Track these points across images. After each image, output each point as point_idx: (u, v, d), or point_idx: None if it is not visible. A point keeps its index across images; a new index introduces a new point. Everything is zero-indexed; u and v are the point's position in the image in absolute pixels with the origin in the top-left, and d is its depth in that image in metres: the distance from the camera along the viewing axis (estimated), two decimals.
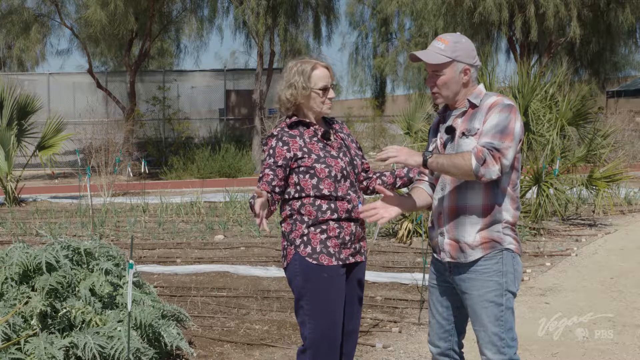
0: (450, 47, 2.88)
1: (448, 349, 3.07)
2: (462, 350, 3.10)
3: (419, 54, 2.91)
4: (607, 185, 9.30)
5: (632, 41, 23.51)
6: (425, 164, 2.79)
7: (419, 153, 2.81)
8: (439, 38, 2.93)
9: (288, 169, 3.10)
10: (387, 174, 3.33)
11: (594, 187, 9.42)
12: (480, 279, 2.86)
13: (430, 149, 3.02)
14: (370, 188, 3.30)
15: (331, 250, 3.07)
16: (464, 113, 2.92)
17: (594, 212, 10.21)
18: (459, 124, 2.91)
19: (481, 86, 2.96)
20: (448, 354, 3.08)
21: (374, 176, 3.31)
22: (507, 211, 2.87)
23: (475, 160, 2.70)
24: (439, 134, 3.01)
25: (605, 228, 9.19)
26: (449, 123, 2.96)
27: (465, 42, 2.91)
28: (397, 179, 3.31)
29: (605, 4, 19.41)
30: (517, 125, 2.80)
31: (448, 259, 2.94)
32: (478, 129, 2.83)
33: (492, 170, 2.72)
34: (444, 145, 2.96)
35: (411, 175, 3.29)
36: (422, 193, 3.07)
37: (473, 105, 2.90)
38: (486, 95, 2.92)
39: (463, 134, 2.87)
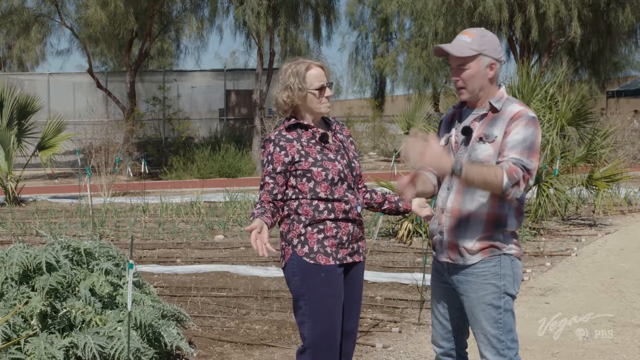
0: (476, 40, 2.83)
1: (451, 349, 3.06)
2: (467, 350, 3.10)
3: (445, 46, 2.85)
4: (607, 185, 9.30)
5: (632, 41, 23.49)
6: (452, 174, 2.64)
7: (448, 160, 2.60)
8: (465, 32, 2.89)
9: (288, 173, 3.10)
10: (379, 193, 3.34)
11: (594, 187, 9.42)
12: (478, 281, 2.85)
13: (442, 143, 2.96)
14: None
15: (328, 249, 3.07)
16: (483, 116, 2.86)
17: (594, 212, 10.21)
18: (477, 127, 2.85)
19: (503, 89, 2.90)
20: (451, 354, 3.07)
21: (364, 190, 3.31)
22: (511, 221, 2.84)
23: (508, 179, 2.66)
24: (453, 131, 2.95)
25: (605, 228, 9.19)
26: (466, 123, 2.90)
27: (491, 36, 2.87)
28: (386, 202, 3.32)
29: (605, 4, 19.40)
30: (539, 140, 2.78)
31: (445, 260, 2.93)
32: (496, 137, 2.77)
33: (520, 191, 2.70)
34: (458, 146, 2.92)
35: (400, 205, 3.31)
36: (427, 180, 2.98)
37: (494, 110, 2.84)
38: (508, 100, 2.85)
39: (480, 138, 2.82)
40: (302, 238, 3.08)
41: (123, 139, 16.29)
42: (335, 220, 3.08)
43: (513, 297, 2.88)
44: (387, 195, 3.34)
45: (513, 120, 2.77)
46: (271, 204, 3.08)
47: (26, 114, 13.03)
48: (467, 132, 2.88)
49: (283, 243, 3.18)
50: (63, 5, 20.95)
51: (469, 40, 2.84)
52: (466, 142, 2.88)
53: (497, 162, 2.75)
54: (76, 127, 18.08)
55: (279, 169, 3.09)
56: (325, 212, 3.07)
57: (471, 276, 2.85)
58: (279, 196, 3.10)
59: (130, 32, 20.25)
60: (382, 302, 5.77)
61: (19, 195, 12.65)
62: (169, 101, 22.43)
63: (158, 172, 18.69)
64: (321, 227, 3.07)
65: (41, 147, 13.02)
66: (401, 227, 8.30)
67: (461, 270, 2.88)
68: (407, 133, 13.18)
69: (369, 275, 6.44)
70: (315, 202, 3.08)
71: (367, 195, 3.31)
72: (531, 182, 2.72)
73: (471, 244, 2.83)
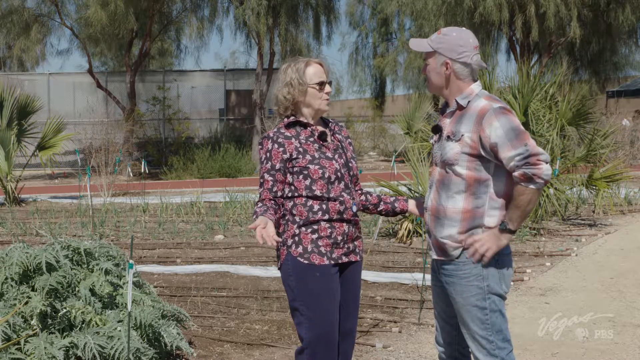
0: (438, 38, 2.89)
1: (453, 347, 3.08)
2: (469, 349, 3.10)
3: (412, 39, 2.98)
4: (607, 186, 9.29)
5: (632, 41, 23.50)
6: (513, 233, 2.80)
7: (501, 234, 2.78)
8: (439, 30, 2.96)
9: (286, 170, 3.11)
10: (374, 194, 3.34)
11: (594, 187, 9.41)
12: (461, 283, 2.87)
13: (432, 143, 3.04)
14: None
15: (322, 249, 3.08)
16: (452, 113, 2.91)
17: (594, 212, 10.21)
18: (447, 125, 2.90)
19: (474, 86, 2.89)
20: (453, 353, 3.08)
21: (359, 192, 3.31)
22: (491, 217, 2.83)
23: (529, 184, 2.70)
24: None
25: (605, 228, 9.19)
26: (438, 121, 2.97)
27: (455, 36, 2.87)
28: (381, 203, 3.32)
29: (605, 4, 19.40)
30: (517, 121, 2.79)
31: (435, 257, 2.97)
32: (463, 135, 2.80)
33: (544, 173, 2.70)
34: (433, 145, 2.98)
35: (396, 205, 3.31)
36: None
37: (460, 107, 2.87)
38: (476, 96, 2.86)
39: (448, 136, 2.86)
40: (296, 238, 3.09)
41: (123, 139, 16.28)
42: (329, 220, 3.09)
43: (501, 296, 2.88)
44: (382, 197, 3.35)
45: (481, 119, 2.78)
46: (272, 202, 3.08)
47: (26, 114, 13.03)
48: (436, 130, 2.95)
49: (279, 243, 3.18)
50: (63, 5, 20.95)
51: (433, 37, 2.93)
52: (439, 140, 2.94)
53: (512, 171, 2.76)
54: (76, 127, 18.06)
55: (277, 166, 3.09)
56: (320, 213, 3.07)
57: (455, 278, 2.88)
58: (279, 193, 3.10)
59: (130, 32, 20.24)
60: (382, 302, 5.77)
61: (19, 195, 12.64)
62: (169, 101, 22.42)
63: (158, 172, 18.69)
64: (315, 227, 3.08)
65: (41, 147, 13.02)
66: (401, 227, 8.30)
67: (447, 271, 2.91)
68: (407, 133, 13.18)
69: (369, 275, 6.44)
70: (310, 202, 3.08)
71: (362, 197, 3.31)
72: (543, 157, 2.70)
73: (451, 239, 2.86)
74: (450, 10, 19.60)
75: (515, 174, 2.73)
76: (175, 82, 23.50)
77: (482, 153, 2.79)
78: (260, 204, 3.07)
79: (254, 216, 2.99)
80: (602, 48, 22.75)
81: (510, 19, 19.18)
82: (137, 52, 22.06)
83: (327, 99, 3.18)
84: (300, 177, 3.08)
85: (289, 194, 3.11)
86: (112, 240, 8.51)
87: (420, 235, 8.14)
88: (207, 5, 21.08)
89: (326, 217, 3.08)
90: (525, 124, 8.98)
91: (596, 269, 6.88)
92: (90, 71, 21.13)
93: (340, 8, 32.31)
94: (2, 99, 12.57)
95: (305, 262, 3.06)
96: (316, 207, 3.08)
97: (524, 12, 19.04)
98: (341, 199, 3.11)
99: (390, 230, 8.80)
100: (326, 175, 3.08)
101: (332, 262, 3.09)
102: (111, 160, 14.33)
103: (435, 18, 20.41)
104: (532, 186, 2.71)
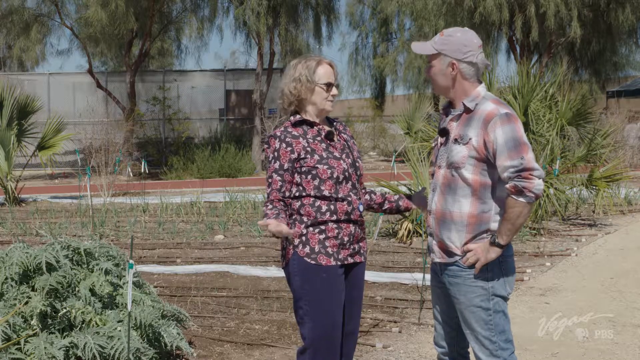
0: (441, 39, 2.89)
1: (452, 348, 3.08)
2: (468, 350, 3.10)
3: (414, 43, 2.99)
4: (607, 185, 9.30)
5: (632, 41, 23.48)
6: (502, 247, 2.79)
7: (491, 247, 2.79)
8: (442, 31, 2.95)
9: (294, 170, 3.09)
10: (378, 193, 3.35)
11: (594, 187, 9.41)
12: (466, 284, 2.87)
13: (433, 145, 3.03)
14: None
15: (329, 250, 3.07)
16: (459, 116, 2.90)
17: (594, 212, 10.21)
18: (454, 128, 2.90)
19: (480, 88, 2.90)
20: (452, 354, 3.08)
21: (363, 191, 3.31)
22: (495, 221, 2.84)
23: (519, 197, 2.71)
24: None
25: (605, 228, 9.19)
26: (444, 124, 2.96)
27: (459, 36, 2.87)
28: (386, 202, 3.33)
29: (606, 4, 19.39)
30: (522, 130, 2.79)
31: (437, 260, 2.96)
32: (470, 139, 2.80)
33: (535, 188, 2.70)
34: (439, 148, 2.97)
35: (400, 203, 3.33)
36: None
37: (467, 110, 2.87)
38: (483, 99, 2.87)
39: (456, 140, 2.85)
40: (304, 238, 3.07)
41: (123, 139, 16.27)
42: (337, 221, 3.08)
43: (504, 298, 2.89)
44: (386, 195, 3.35)
45: (487, 123, 2.78)
46: (281, 202, 3.06)
47: (26, 114, 13.03)
48: (444, 133, 2.94)
49: (284, 243, 3.17)
50: (63, 5, 20.95)
51: (437, 39, 2.92)
52: (446, 143, 2.93)
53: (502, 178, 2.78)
54: (76, 127, 18.04)
55: (285, 165, 3.07)
56: (328, 214, 3.06)
57: (460, 279, 2.88)
58: (287, 193, 3.09)
59: (130, 32, 20.24)
60: (382, 302, 5.77)
61: (19, 195, 12.64)
62: (169, 101, 22.41)
63: (158, 172, 18.70)
64: (323, 227, 3.07)
65: (41, 147, 13.02)
66: (401, 227, 8.30)
67: (451, 272, 2.90)
68: (407, 133, 13.18)
69: (369, 275, 6.44)
70: (318, 202, 3.07)
71: (367, 197, 3.31)
72: (536, 172, 2.71)
73: (457, 243, 2.86)
74: (450, 10, 19.59)
75: (507, 185, 2.74)
76: (175, 82, 23.49)
77: (488, 157, 2.79)
78: (270, 206, 3.04)
79: (265, 218, 2.97)
80: (602, 48, 22.74)
81: (510, 19, 19.17)
82: (137, 52, 22.06)
83: (332, 100, 3.18)
84: (309, 177, 3.07)
85: (297, 194, 3.09)
86: (112, 240, 8.51)
87: (420, 235, 8.14)
88: (207, 5, 21.08)
89: (334, 217, 3.07)
90: (525, 124, 8.98)
91: (596, 269, 6.88)
92: (90, 71, 21.12)
93: (340, 8, 32.31)
94: (2, 99, 12.56)
95: (312, 262, 3.05)
96: (324, 208, 3.06)
97: (524, 12, 19.03)
98: (349, 199, 3.10)
99: (390, 230, 8.80)
100: (334, 176, 3.07)
101: (339, 263, 3.09)
102: (111, 160, 14.32)
103: (435, 18, 20.40)
104: (522, 199, 2.71)
